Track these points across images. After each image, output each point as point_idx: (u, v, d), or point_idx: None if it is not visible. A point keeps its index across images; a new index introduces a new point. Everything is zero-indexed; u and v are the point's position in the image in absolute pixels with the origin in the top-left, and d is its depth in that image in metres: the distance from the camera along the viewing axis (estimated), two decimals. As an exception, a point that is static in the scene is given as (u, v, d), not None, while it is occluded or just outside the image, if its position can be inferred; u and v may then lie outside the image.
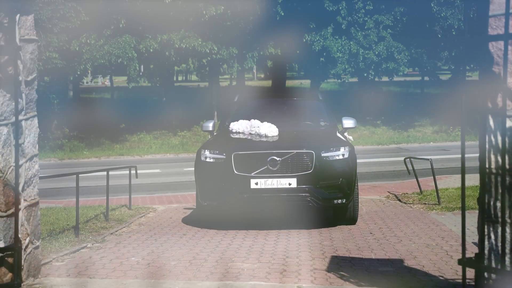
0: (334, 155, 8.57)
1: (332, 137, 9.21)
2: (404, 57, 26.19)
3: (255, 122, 9.45)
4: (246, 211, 9.64)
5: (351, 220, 8.86)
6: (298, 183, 8.30)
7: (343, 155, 8.62)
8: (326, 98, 10.91)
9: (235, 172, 8.38)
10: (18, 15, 4.87)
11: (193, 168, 9.19)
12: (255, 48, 26.99)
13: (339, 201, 8.43)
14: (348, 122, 9.78)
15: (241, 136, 9.39)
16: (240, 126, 9.55)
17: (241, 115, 10.09)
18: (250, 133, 9.37)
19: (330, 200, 8.41)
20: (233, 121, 9.81)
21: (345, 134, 9.88)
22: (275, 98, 12.19)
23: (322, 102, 10.62)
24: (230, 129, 9.64)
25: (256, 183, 8.30)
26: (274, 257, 6.90)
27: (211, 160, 8.66)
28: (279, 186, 8.28)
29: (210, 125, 9.97)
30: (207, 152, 8.74)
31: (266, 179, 8.30)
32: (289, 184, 8.29)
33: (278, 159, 8.34)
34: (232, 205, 8.44)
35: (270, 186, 8.29)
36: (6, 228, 4.77)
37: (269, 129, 9.24)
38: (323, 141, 8.83)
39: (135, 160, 21.75)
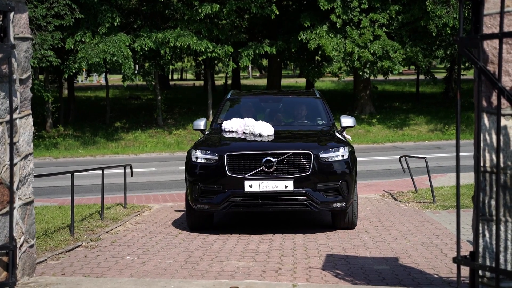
0: (333, 156, 8.14)
1: (330, 136, 8.77)
2: (399, 55, 26.21)
3: (249, 121, 9.02)
4: (240, 215, 9.49)
5: (350, 224, 8.45)
6: (295, 186, 7.87)
7: (342, 155, 8.19)
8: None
9: (228, 173, 7.96)
10: (12, 13, 4.85)
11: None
12: (250, 46, 26.97)
13: (338, 204, 8.03)
14: (346, 121, 9.37)
15: (234, 135, 8.95)
16: (233, 125, 9.12)
17: (235, 113, 9.70)
18: (243, 132, 8.93)
19: (329, 204, 8.00)
20: (226, 119, 9.41)
21: (343, 133, 9.47)
22: (270, 95, 11.62)
23: (319, 100, 10.13)
24: (223, 128, 9.19)
25: (251, 186, 7.87)
26: (270, 255, 6.91)
27: (203, 161, 8.23)
28: (275, 189, 7.86)
29: (201, 124, 9.49)
30: (198, 152, 8.31)
31: (261, 181, 7.87)
32: (286, 187, 7.86)
33: (273, 160, 7.90)
34: (224, 209, 8.05)
35: (265, 189, 7.86)
36: (1, 226, 4.76)
37: (264, 128, 8.77)
38: (321, 141, 8.40)
39: (130, 158, 21.71)
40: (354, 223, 8.49)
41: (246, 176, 7.93)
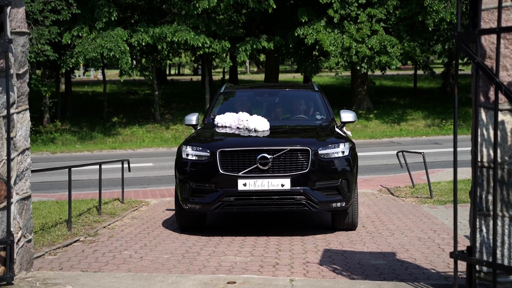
0: (333, 153, 7.67)
1: (330, 132, 8.30)
2: (397, 50, 26.21)
3: (244, 115, 8.52)
4: (235, 214, 9.33)
5: (351, 225, 7.99)
6: (292, 184, 7.38)
7: (342, 152, 7.71)
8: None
9: (221, 171, 7.47)
10: (9, 8, 4.84)
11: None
12: (247, 41, 26.94)
13: (338, 204, 7.54)
14: (347, 116, 8.90)
15: (228, 130, 8.46)
16: (226, 120, 8.62)
17: (228, 107, 9.21)
18: (237, 128, 8.46)
19: (328, 204, 7.52)
20: (219, 113, 8.91)
21: (343, 129, 8.97)
22: (266, 89, 11.04)
23: (318, 93, 9.63)
24: (216, 122, 8.71)
25: (245, 184, 7.38)
26: (267, 250, 6.92)
27: (194, 158, 7.72)
28: (271, 188, 7.37)
29: (193, 119, 9.01)
30: (189, 149, 7.81)
31: (255, 180, 7.37)
32: (282, 186, 7.38)
33: (269, 157, 7.42)
34: (217, 209, 7.58)
35: (260, 188, 7.37)
36: (-2, 221, 4.77)
37: (259, 123, 8.29)
38: (320, 137, 7.96)
39: (127, 153, 21.70)
40: (354, 224, 8.04)
41: (240, 174, 7.46)
